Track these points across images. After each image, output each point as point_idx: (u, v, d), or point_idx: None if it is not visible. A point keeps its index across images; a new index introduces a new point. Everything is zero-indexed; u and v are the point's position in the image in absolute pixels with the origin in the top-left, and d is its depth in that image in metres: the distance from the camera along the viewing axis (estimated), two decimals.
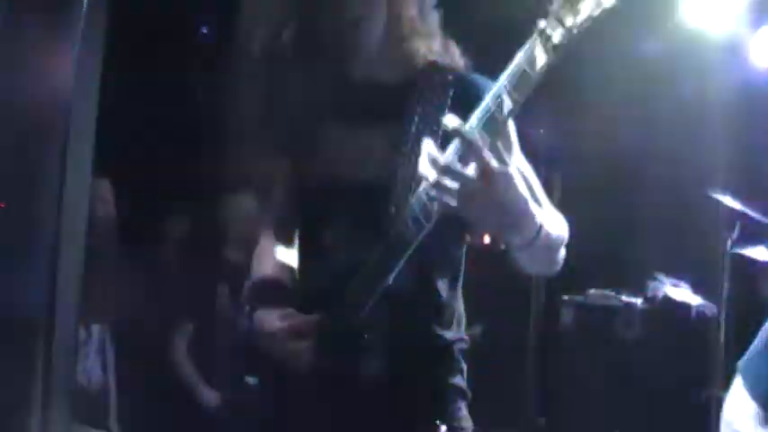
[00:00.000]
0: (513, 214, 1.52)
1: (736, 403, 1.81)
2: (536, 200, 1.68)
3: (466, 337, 1.84)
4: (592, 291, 4.95)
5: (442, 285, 1.78)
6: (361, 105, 1.80)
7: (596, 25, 1.42)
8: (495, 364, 3.94)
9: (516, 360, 4.99)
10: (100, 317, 3.69)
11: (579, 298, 4.92)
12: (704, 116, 4.85)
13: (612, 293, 4.90)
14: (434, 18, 1.85)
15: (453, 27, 1.89)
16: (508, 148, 1.69)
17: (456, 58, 1.84)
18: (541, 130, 4.72)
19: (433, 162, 1.45)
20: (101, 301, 3.58)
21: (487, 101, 1.47)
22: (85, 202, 2.85)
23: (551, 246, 1.68)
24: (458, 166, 1.44)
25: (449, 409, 1.77)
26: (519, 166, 1.71)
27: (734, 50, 4.71)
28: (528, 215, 1.55)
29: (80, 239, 2.78)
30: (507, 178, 1.47)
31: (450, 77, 1.77)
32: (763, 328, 1.83)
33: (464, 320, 1.86)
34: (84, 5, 2.73)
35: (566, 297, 4.93)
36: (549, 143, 4.81)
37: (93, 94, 2.82)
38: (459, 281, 1.85)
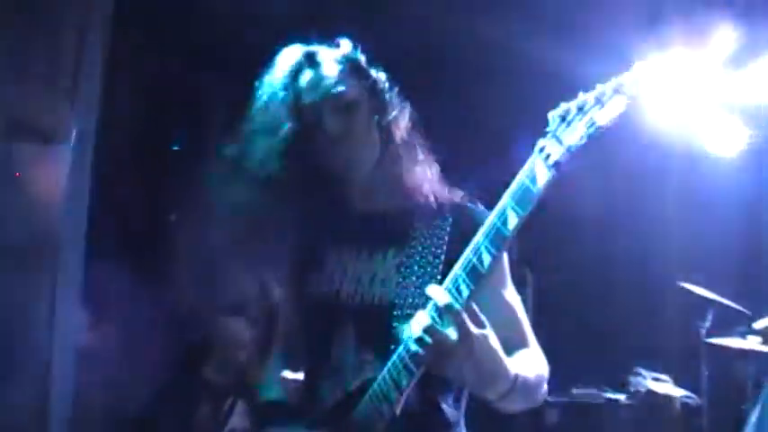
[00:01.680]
0: (488, 371, 1.60)
1: None
2: (520, 336, 1.82)
3: None
4: (575, 390, 4.96)
5: (446, 406, 1.83)
6: (359, 235, 1.89)
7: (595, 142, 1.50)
8: None
9: None
10: None
11: (563, 398, 4.93)
12: (666, 210, 5.00)
13: (596, 391, 4.92)
14: (427, 147, 1.96)
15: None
16: (502, 277, 1.83)
17: (452, 188, 1.94)
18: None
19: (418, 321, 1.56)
20: None
21: (493, 217, 1.55)
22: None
23: (529, 390, 1.74)
24: (438, 328, 1.54)
25: None
26: (507, 299, 1.84)
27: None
28: (501, 371, 1.62)
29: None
30: (483, 340, 1.56)
31: (448, 208, 1.87)
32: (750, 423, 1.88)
33: None
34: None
35: (549, 398, 4.93)
36: (524, 247, 4.96)
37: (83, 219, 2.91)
38: (463, 400, 1.90)
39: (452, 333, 1.53)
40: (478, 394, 1.67)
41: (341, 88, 1.86)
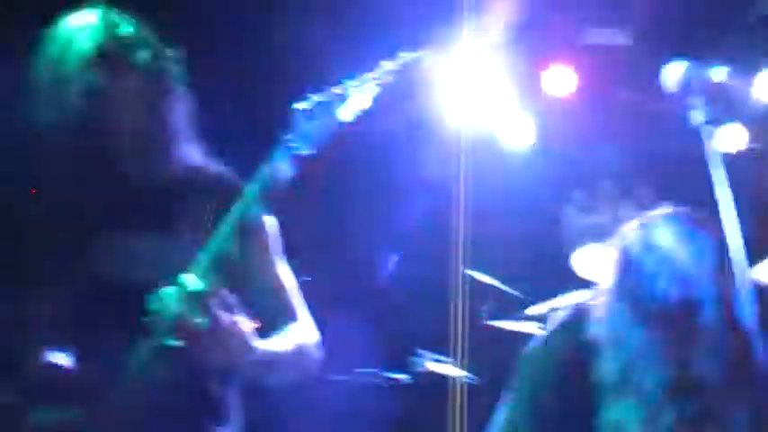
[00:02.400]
0: (235, 353, 1.65)
1: None
2: (286, 306, 1.86)
3: None
4: (357, 369, 4.97)
5: (214, 385, 1.82)
6: (128, 207, 1.81)
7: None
8: None
9: None
10: None
11: (345, 377, 4.92)
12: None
13: (378, 371, 4.94)
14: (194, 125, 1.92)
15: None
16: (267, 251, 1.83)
17: (218, 165, 1.92)
18: None
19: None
20: None
21: (239, 204, 1.61)
22: None
23: (289, 363, 1.81)
24: (188, 317, 1.57)
25: None
26: (274, 270, 1.87)
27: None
28: (249, 350, 1.67)
29: None
30: (231, 325, 1.61)
31: (213, 182, 1.85)
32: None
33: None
34: None
35: (331, 377, 4.91)
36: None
37: None
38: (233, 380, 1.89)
39: (200, 319, 1.56)
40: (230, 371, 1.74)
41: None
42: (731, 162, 5.34)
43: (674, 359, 1.70)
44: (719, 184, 1.63)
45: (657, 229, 1.79)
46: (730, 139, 5.71)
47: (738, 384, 1.63)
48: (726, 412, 1.61)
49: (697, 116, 1.72)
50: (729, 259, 1.67)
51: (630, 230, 1.83)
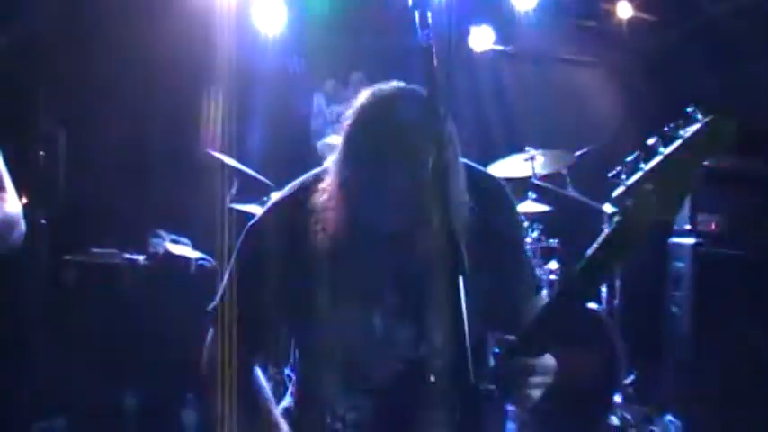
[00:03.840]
0: None
1: None
2: None
3: None
4: (94, 249, 4.85)
5: None
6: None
7: None
8: None
9: None
10: None
11: (81, 257, 4.80)
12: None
13: (115, 251, 4.86)
14: None
15: None
16: None
17: None
18: None
19: None
20: None
21: None
22: None
23: None
24: None
25: None
26: None
27: None
28: None
29: None
30: None
31: None
32: None
33: None
34: None
35: (68, 257, 4.78)
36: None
37: None
38: None
39: None
40: None
41: None
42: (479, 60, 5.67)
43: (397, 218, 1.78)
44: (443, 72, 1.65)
45: (386, 99, 1.84)
46: (480, 39, 6.01)
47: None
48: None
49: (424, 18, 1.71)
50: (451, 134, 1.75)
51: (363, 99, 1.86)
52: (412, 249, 1.77)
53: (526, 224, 4.96)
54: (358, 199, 1.78)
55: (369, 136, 1.78)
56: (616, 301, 5.36)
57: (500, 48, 6.04)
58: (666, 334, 5.60)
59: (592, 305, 4.93)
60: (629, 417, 5.13)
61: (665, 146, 1.57)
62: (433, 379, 1.84)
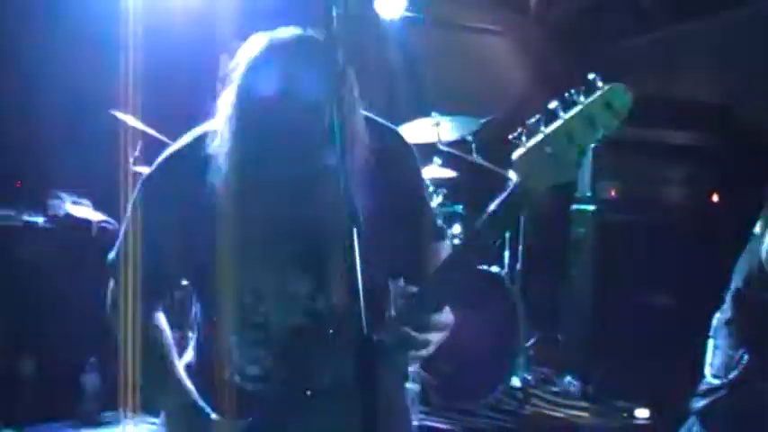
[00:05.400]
0: None
1: None
2: None
3: None
4: None
5: None
6: None
7: None
8: None
9: None
10: None
11: None
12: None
13: (13, 213, 4.71)
14: None
15: None
16: None
17: None
18: None
19: None
20: None
21: None
22: None
23: None
24: None
25: None
26: None
27: None
28: None
29: None
30: None
31: None
32: None
33: None
34: None
35: None
36: None
37: None
38: None
39: None
40: None
41: None
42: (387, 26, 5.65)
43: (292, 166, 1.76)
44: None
45: (281, 45, 1.80)
46: (388, 5, 6.00)
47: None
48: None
49: None
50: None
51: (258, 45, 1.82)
52: (308, 198, 1.75)
53: (431, 189, 5.02)
54: (252, 148, 1.76)
55: (261, 83, 1.75)
56: (518, 266, 5.49)
57: (409, 14, 6.04)
58: (567, 297, 5.78)
59: (494, 268, 5.05)
60: (529, 378, 5.28)
61: (565, 111, 1.63)
62: (330, 331, 1.86)
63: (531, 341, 5.47)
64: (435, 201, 5.04)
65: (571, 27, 6.51)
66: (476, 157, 5.15)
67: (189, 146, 1.93)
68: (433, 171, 5.18)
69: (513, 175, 1.66)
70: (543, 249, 5.56)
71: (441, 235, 2.16)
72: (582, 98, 1.62)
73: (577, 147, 1.62)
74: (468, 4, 6.45)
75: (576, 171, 1.65)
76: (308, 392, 1.86)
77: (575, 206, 5.66)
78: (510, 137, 1.66)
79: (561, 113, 1.62)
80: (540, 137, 1.62)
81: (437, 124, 5.10)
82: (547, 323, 5.74)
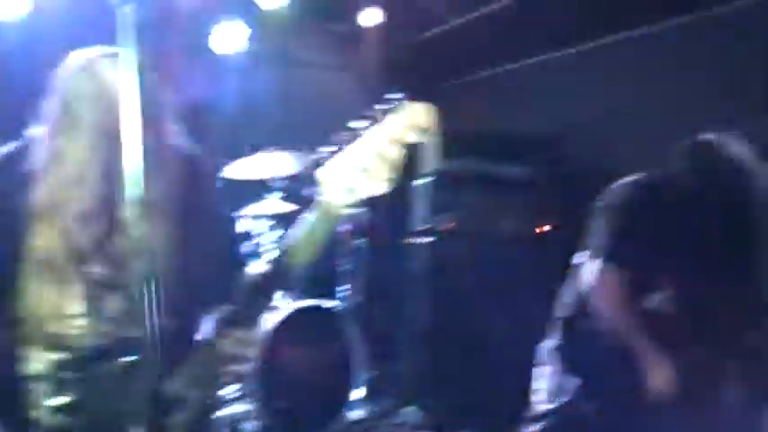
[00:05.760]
0: None
1: None
2: None
3: None
4: None
5: None
6: None
7: None
8: None
9: None
10: None
11: None
12: None
13: None
14: None
15: None
16: None
17: None
18: None
19: None
20: None
21: None
22: None
23: None
24: None
25: None
26: None
27: None
28: None
29: None
30: None
31: None
32: None
33: None
34: None
35: None
36: None
37: None
38: None
39: None
40: None
41: None
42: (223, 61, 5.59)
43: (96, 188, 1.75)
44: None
45: (84, 64, 1.84)
46: (224, 40, 5.94)
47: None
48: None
49: None
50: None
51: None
52: (109, 222, 1.75)
53: (270, 223, 4.96)
54: (58, 166, 1.76)
55: (67, 103, 1.78)
56: (357, 299, 5.48)
57: (245, 50, 6.00)
58: (407, 328, 5.82)
59: (330, 303, 5.02)
60: (374, 410, 5.26)
61: (368, 129, 1.63)
62: (131, 359, 1.78)
63: (373, 374, 5.46)
64: (274, 234, 4.97)
65: (409, 63, 6.65)
66: (311, 191, 5.12)
67: (8, 155, 1.89)
68: (271, 205, 5.12)
69: (317, 194, 1.66)
70: (383, 282, 5.58)
71: (243, 263, 2.13)
72: (384, 115, 1.63)
73: (382, 162, 1.62)
74: (310, 43, 6.48)
75: (384, 186, 1.65)
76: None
77: (413, 238, 5.72)
78: (313, 158, 1.66)
79: (362, 131, 1.63)
80: (340, 155, 1.62)
81: (271, 159, 5.07)
82: (389, 355, 5.76)
